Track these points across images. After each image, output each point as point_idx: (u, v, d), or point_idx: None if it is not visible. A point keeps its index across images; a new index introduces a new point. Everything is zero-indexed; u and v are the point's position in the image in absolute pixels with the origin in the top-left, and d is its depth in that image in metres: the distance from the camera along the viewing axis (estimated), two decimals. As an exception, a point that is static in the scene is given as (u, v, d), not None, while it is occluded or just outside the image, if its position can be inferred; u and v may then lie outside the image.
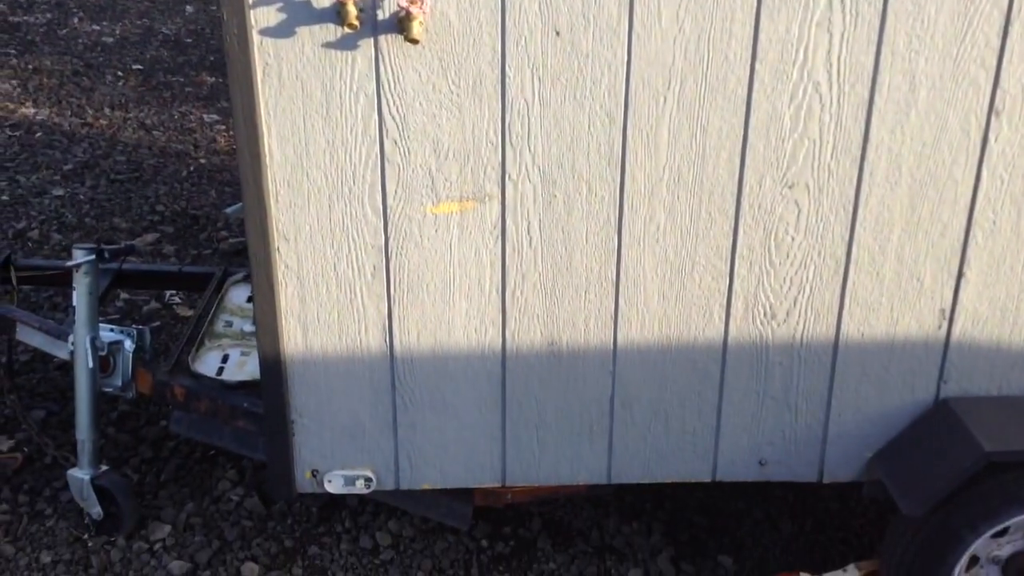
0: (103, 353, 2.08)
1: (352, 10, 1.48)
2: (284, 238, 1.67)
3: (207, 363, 2.16)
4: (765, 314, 1.74)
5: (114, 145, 4.19)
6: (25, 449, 2.42)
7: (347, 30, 1.52)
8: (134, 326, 2.17)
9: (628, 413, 1.83)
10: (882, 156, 1.63)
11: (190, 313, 2.96)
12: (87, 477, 2.10)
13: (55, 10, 6.00)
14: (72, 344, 2.09)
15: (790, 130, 1.61)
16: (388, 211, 1.66)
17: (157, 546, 2.15)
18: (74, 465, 2.14)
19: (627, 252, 1.70)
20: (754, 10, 1.53)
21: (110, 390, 2.14)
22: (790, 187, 1.65)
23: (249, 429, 2.04)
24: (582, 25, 1.54)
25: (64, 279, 2.33)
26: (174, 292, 3.05)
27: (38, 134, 4.28)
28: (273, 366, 1.76)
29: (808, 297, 1.73)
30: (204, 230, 3.52)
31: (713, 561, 2.17)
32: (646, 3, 1.53)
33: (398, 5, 1.50)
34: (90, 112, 4.53)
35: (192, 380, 2.11)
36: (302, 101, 1.57)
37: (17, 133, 4.29)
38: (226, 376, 2.13)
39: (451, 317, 1.75)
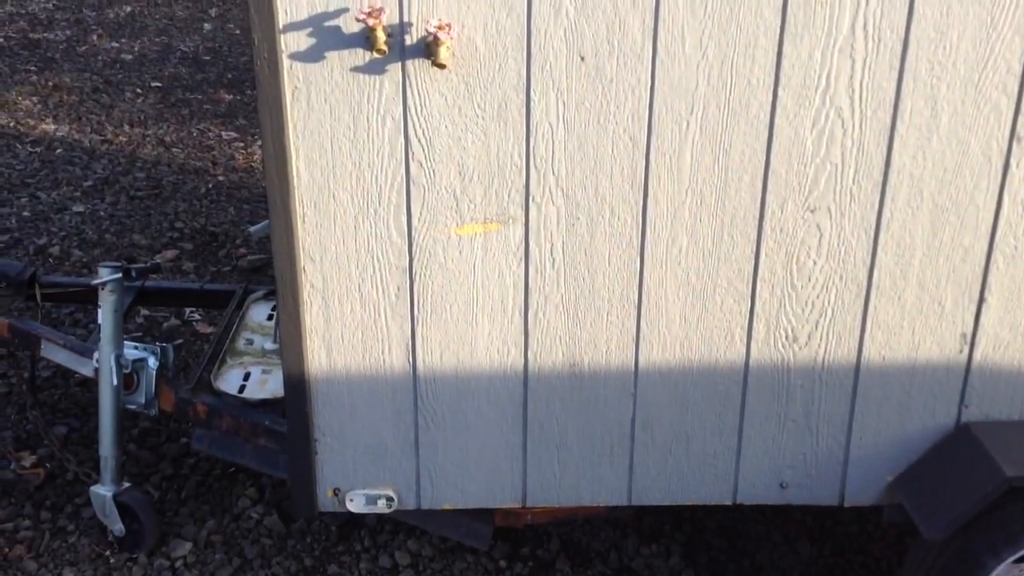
0: (127, 370, 2.11)
1: (381, 35, 1.50)
2: (310, 258, 1.69)
3: (229, 381, 2.18)
4: (787, 337, 1.75)
5: (134, 162, 4.23)
6: (47, 465, 2.44)
7: (376, 55, 1.54)
8: (158, 344, 2.19)
9: (649, 435, 1.83)
10: (904, 181, 1.64)
11: (210, 330, 2.98)
12: (110, 494, 2.12)
13: (75, 27, 6.07)
14: (97, 361, 2.11)
15: (812, 155, 1.62)
16: (413, 232, 1.68)
17: (178, 563, 2.16)
18: (96, 482, 2.16)
19: (649, 275, 1.71)
20: (777, 36, 1.55)
21: (133, 407, 2.16)
22: (812, 211, 1.66)
23: (271, 447, 2.05)
24: (606, 51, 1.56)
25: (88, 296, 2.36)
26: (194, 309, 3.07)
27: (58, 150, 4.33)
28: (297, 385, 1.78)
29: (830, 320, 1.74)
30: (223, 247, 3.55)
31: (732, 583, 2.17)
32: (670, 29, 1.54)
33: (426, 30, 1.52)
34: (110, 129, 4.58)
35: (214, 398, 2.12)
36: (330, 124, 1.59)
37: (38, 149, 4.33)
38: (248, 394, 2.15)
39: (474, 338, 1.76)
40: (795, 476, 1.86)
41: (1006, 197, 1.65)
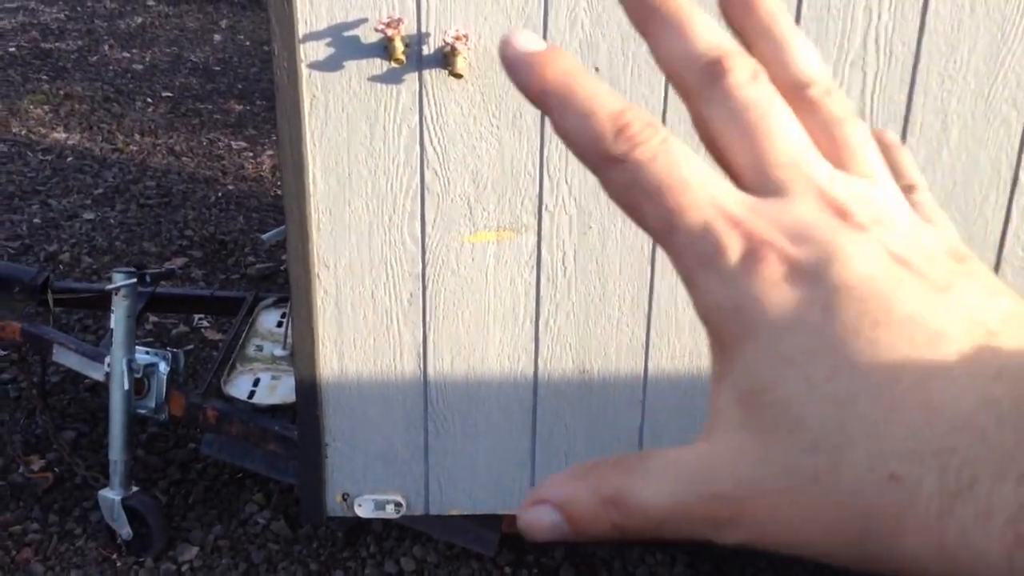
0: (138, 375, 2.12)
1: (399, 45, 1.53)
2: (324, 265, 1.71)
3: (239, 386, 2.19)
4: (795, 347, 1.76)
5: (144, 170, 4.25)
6: (56, 469, 2.45)
7: (393, 65, 1.56)
8: (168, 349, 2.20)
9: (657, 443, 1.84)
10: (913, 194, 1.65)
11: (219, 337, 2.99)
12: (118, 498, 2.13)
13: (86, 37, 6.12)
14: (108, 366, 2.12)
15: (823, 167, 1.64)
16: (426, 240, 1.70)
17: (185, 567, 2.17)
18: (104, 485, 2.17)
19: (660, 283, 1.73)
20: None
21: (143, 412, 2.18)
22: (822, 223, 1.67)
23: (280, 452, 2.07)
24: (621, 62, 1.58)
25: (100, 301, 2.37)
26: (202, 316, 3.09)
27: (69, 159, 4.36)
28: (309, 390, 1.79)
29: (838, 331, 1.75)
30: (232, 255, 3.57)
31: (738, 594, 2.18)
32: (684, 41, 1.56)
33: (444, 41, 1.54)
34: (120, 138, 4.61)
35: (224, 403, 2.14)
36: (347, 132, 1.62)
37: (49, 157, 4.36)
38: (257, 399, 2.16)
39: (485, 345, 1.77)
40: (803, 487, 1.87)
41: (1015, 210, 1.66)
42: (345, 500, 1.89)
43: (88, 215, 3.82)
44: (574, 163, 1.64)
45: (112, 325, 2.12)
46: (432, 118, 1.61)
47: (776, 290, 0.24)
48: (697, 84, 0.26)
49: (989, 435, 0.21)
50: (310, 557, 2.23)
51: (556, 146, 1.63)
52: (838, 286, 0.23)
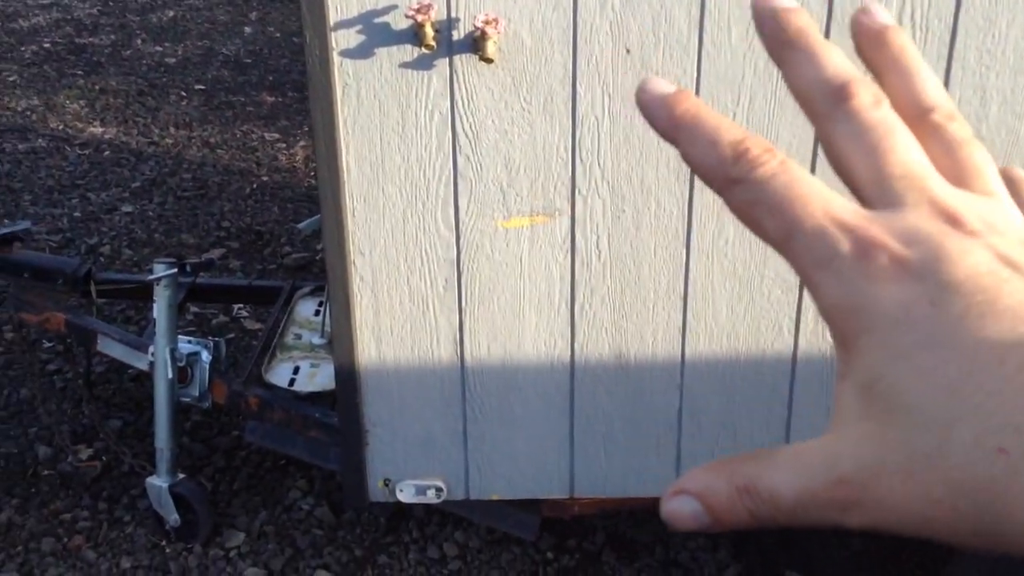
0: (181, 364, 2.15)
1: (429, 31, 1.53)
2: (360, 252, 1.72)
3: (279, 374, 2.22)
4: (834, 327, 1.75)
5: (180, 163, 4.30)
6: (103, 458, 2.50)
7: (424, 50, 1.56)
8: (210, 338, 2.23)
9: (696, 426, 1.84)
10: (953, 169, 1.63)
11: (258, 326, 3.03)
12: (165, 485, 2.17)
13: (119, 32, 6.19)
14: (152, 355, 2.16)
15: (860, 144, 1.62)
16: (460, 225, 1.70)
17: (232, 553, 2.21)
18: (152, 473, 2.21)
19: (695, 266, 1.72)
20: (824, 26, 1.55)
21: (187, 400, 2.21)
22: (860, 200, 1.66)
23: (321, 439, 2.09)
24: (652, 43, 1.57)
25: (142, 292, 2.41)
26: (242, 306, 3.13)
27: (106, 152, 4.42)
28: (348, 377, 1.81)
29: (878, 310, 1.73)
30: (268, 245, 3.60)
31: None
32: (716, 21, 1.55)
33: (474, 26, 1.54)
34: (156, 131, 4.67)
35: (266, 391, 2.17)
36: (379, 119, 1.62)
37: (86, 152, 4.43)
38: (297, 387, 2.19)
39: (521, 330, 1.78)
40: (843, 467, 1.85)
41: (1058, 184, 1.63)
42: (387, 485, 1.91)
43: (127, 208, 3.87)
44: (606, 146, 1.63)
45: (154, 315, 2.15)
46: (463, 103, 1.61)
47: (887, 287, 0.26)
48: (824, 106, 0.29)
49: None
50: (354, 542, 2.26)
51: (588, 129, 1.63)
52: (946, 282, 0.25)
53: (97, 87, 5.23)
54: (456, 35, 1.56)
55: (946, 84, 1.57)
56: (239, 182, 4.13)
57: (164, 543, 2.23)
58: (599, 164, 1.65)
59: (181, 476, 2.21)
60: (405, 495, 1.90)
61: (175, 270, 2.10)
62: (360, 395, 1.83)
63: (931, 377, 0.25)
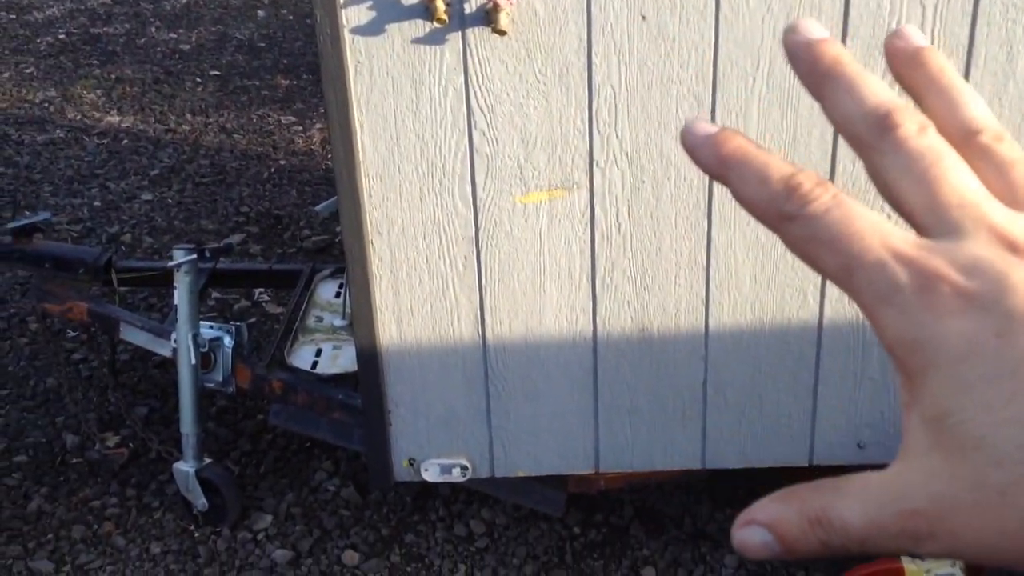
0: (204, 349, 2.16)
1: (440, 5, 1.51)
2: (378, 232, 1.71)
3: (301, 357, 2.22)
4: (860, 294, 1.72)
5: (197, 150, 4.31)
6: (130, 444, 2.52)
7: (436, 25, 1.54)
8: (232, 323, 2.23)
9: (721, 398, 1.82)
10: (980, 129, 1.59)
11: (279, 310, 3.03)
12: (192, 470, 2.18)
13: (133, 20, 6.19)
14: (174, 341, 2.17)
15: (883, 106, 1.58)
16: (478, 202, 1.69)
17: (260, 535, 2.22)
18: (178, 459, 2.22)
19: (717, 236, 1.70)
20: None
21: (211, 385, 2.22)
22: (884, 164, 1.62)
23: (345, 421, 2.09)
24: (668, 8, 1.54)
25: (163, 279, 2.42)
26: (263, 291, 3.13)
27: (124, 141, 4.43)
28: (369, 358, 1.81)
29: (905, 275, 1.70)
30: (287, 229, 3.60)
31: (809, 545, 2.15)
32: (733, -16, 1.52)
33: (485, -2, 1.52)
34: (172, 118, 4.67)
35: (289, 374, 2.17)
36: (393, 97, 1.60)
37: (104, 141, 4.44)
38: (320, 369, 2.19)
39: (542, 305, 1.76)
40: (873, 435, 1.83)
41: (1089, 141, 1.59)
42: (412, 465, 1.91)
43: (146, 196, 3.88)
44: (624, 117, 1.61)
45: (176, 302, 2.15)
46: (477, 78, 1.59)
47: (951, 320, 0.26)
48: (870, 138, 0.29)
49: None
50: (381, 522, 2.27)
51: (605, 100, 1.60)
52: (1011, 313, 0.25)
53: (113, 76, 5.24)
54: (468, 8, 1.54)
55: (971, 40, 1.53)
56: (257, 167, 4.13)
57: (192, 527, 2.24)
58: (617, 135, 1.63)
59: (208, 461, 2.22)
60: (430, 474, 1.90)
61: (195, 256, 2.10)
62: (382, 376, 1.82)
63: (1001, 414, 0.25)
